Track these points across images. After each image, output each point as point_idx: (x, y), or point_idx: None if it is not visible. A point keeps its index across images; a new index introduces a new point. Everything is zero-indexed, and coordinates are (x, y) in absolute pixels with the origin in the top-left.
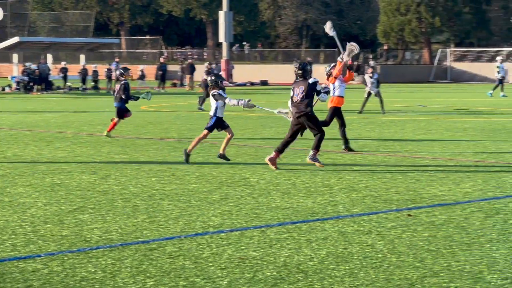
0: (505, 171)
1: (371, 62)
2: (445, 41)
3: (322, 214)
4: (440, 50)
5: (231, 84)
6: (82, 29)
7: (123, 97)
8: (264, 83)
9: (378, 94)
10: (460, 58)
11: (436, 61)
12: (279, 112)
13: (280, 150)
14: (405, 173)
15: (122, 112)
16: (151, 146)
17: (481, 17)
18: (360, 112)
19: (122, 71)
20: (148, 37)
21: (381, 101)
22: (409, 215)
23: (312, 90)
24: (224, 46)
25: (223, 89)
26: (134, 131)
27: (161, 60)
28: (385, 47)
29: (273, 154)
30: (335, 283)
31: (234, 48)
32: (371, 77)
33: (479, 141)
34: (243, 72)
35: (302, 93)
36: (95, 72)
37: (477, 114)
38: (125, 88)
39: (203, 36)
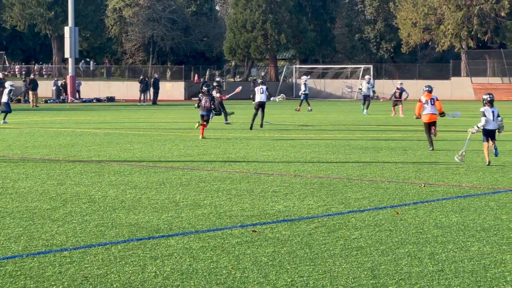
0: (348, 187)
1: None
2: (290, 58)
3: (168, 230)
4: (286, 66)
5: (77, 101)
6: None
7: (212, 107)
8: (110, 99)
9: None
10: (306, 75)
11: (282, 78)
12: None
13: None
14: (250, 189)
15: (208, 118)
16: None
17: (326, 35)
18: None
19: (209, 88)
20: None
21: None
22: (254, 231)
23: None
24: (70, 62)
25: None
26: None
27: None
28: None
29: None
30: None
31: (80, 64)
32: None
33: (323, 157)
34: (90, 88)
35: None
36: None
37: (322, 131)
38: (213, 100)
39: (48, 52)
